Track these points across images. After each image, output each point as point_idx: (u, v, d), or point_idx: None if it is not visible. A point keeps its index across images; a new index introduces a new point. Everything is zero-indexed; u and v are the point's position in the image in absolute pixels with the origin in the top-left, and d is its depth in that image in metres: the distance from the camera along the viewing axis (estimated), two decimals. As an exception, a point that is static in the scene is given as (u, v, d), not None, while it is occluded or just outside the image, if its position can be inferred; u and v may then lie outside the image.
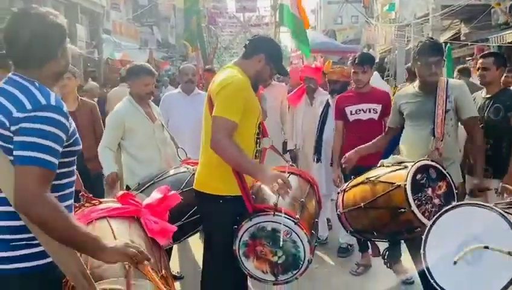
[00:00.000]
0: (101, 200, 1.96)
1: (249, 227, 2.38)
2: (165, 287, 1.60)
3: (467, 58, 15.11)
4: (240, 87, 2.42)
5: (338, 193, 3.13)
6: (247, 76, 2.51)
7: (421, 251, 2.07)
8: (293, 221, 2.34)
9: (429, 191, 2.56)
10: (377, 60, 23.40)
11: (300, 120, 4.94)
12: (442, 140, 2.88)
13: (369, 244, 3.96)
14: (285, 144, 5.18)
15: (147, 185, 2.92)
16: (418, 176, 2.57)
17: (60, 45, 1.61)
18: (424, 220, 2.43)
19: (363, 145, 3.39)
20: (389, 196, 2.60)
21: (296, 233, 2.33)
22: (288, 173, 2.78)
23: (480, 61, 3.67)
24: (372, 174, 2.88)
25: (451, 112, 2.97)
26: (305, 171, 3.33)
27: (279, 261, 2.37)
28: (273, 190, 2.26)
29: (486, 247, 1.86)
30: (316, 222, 2.72)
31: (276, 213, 2.31)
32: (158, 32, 25.05)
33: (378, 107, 3.89)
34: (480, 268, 1.90)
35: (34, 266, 1.51)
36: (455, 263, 1.88)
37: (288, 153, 5.09)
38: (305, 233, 2.34)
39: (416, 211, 2.45)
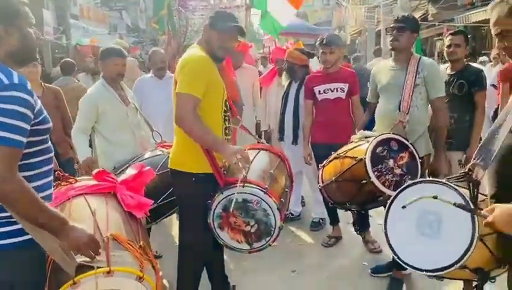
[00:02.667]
0: (77, 178, 2.00)
1: (221, 200, 2.52)
2: (142, 256, 1.68)
3: (434, 38, 15.49)
4: (199, 63, 2.48)
5: (318, 169, 3.32)
6: (207, 52, 2.57)
7: (383, 229, 2.16)
8: (262, 190, 2.48)
9: (390, 162, 2.74)
10: (348, 42, 23.67)
11: (273, 102, 5.06)
12: (407, 113, 3.04)
13: (339, 217, 4.19)
14: (258, 125, 5.30)
15: (122, 169, 2.96)
16: (379, 149, 2.75)
17: (2, 21, 1.58)
18: (384, 189, 2.64)
19: (360, 126, 3.59)
20: (353, 169, 2.79)
21: (265, 201, 2.48)
22: (259, 149, 2.94)
23: (450, 38, 3.81)
24: (342, 149, 3.08)
25: (420, 86, 3.11)
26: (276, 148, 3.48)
27: (252, 230, 2.53)
28: (234, 163, 2.44)
29: (435, 197, 1.96)
30: (286, 192, 2.88)
31: (245, 184, 2.46)
32: (127, 17, 24.54)
33: (345, 86, 4.04)
34: (440, 240, 1.99)
35: (14, 243, 1.56)
36: (404, 207, 2.04)
37: (262, 134, 5.23)
38: (274, 201, 2.49)
39: (376, 181, 2.65)
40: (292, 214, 4.79)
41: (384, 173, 2.70)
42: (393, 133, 2.88)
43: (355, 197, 2.86)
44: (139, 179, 2.05)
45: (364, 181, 2.68)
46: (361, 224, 3.99)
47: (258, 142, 3.30)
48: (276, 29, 7.56)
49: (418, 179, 2.47)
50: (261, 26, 7.95)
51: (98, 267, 1.54)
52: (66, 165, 4.09)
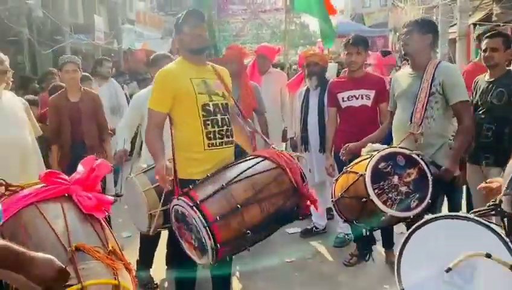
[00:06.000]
0: (22, 184, 1.76)
1: (170, 209, 2.42)
2: (114, 262, 1.53)
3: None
4: (160, 78, 2.62)
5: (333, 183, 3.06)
6: (185, 56, 2.70)
7: (395, 274, 1.77)
8: (189, 204, 2.25)
9: (395, 179, 2.49)
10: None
11: (299, 108, 4.82)
12: (420, 124, 2.76)
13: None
14: (285, 132, 5.10)
15: (150, 167, 2.99)
16: (382, 164, 2.50)
17: None
18: (385, 209, 2.40)
19: (367, 137, 3.25)
20: (356, 185, 2.56)
21: (192, 217, 2.23)
22: (264, 157, 2.64)
23: (486, 41, 3.42)
24: (351, 164, 2.85)
25: (436, 95, 2.82)
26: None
27: (196, 245, 2.31)
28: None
29: (488, 255, 1.50)
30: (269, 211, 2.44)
31: (178, 197, 2.32)
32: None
33: (372, 93, 3.73)
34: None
35: None
36: (448, 270, 1.54)
37: (288, 141, 5.02)
38: (200, 217, 2.20)
39: (375, 199, 2.41)
40: (316, 228, 4.52)
41: (387, 190, 2.45)
42: (400, 147, 2.58)
43: (361, 215, 2.61)
44: (93, 175, 1.83)
45: (364, 199, 2.43)
46: (385, 242, 3.66)
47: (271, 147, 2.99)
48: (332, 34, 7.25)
49: (439, 215, 1.91)
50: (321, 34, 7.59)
51: (69, 286, 1.38)
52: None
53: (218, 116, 2.63)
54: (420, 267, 1.72)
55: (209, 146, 2.59)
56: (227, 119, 2.68)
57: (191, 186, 2.40)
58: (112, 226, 4.28)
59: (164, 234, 3.37)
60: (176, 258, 2.63)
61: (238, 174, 2.38)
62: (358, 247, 3.85)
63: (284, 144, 5.19)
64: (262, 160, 2.50)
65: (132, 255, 3.68)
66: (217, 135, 2.61)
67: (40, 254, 1.35)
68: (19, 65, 9.18)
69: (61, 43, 11.16)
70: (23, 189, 1.73)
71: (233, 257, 2.79)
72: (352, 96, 3.77)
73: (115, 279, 1.47)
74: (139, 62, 14.52)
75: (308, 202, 2.49)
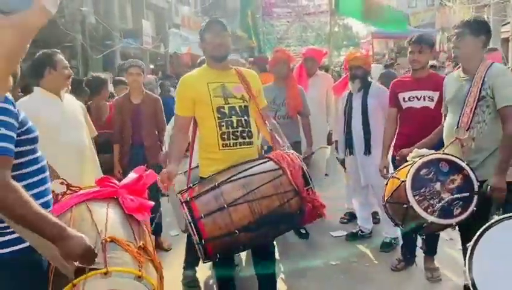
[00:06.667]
0: (81, 186, 2.05)
1: None
2: (141, 256, 1.68)
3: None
4: (180, 86, 2.87)
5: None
6: (208, 63, 2.89)
7: (466, 267, 1.96)
8: (181, 200, 2.44)
9: (437, 185, 2.46)
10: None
11: (342, 110, 4.80)
12: (467, 129, 2.67)
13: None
14: (330, 134, 5.10)
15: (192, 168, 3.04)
16: (424, 171, 2.48)
17: None
18: (426, 216, 2.37)
19: (421, 142, 3.14)
20: (398, 191, 2.55)
21: (183, 213, 2.39)
22: (263, 158, 2.68)
23: None
24: (399, 168, 2.83)
25: (487, 98, 2.71)
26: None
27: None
28: None
29: None
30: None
31: (180, 192, 2.57)
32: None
33: (435, 95, 3.50)
34: None
35: (14, 251, 1.61)
36: None
37: (334, 144, 5.01)
38: (187, 213, 2.35)
39: (415, 206, 2.39)
40: (362, 232, 4.48)
41: (428, 197, 2.42)
42: (444, 153, 2.53)
43: (405, 220, 2.59)
44: (141, 182, 2.07)
45: (405, 205, 2.42)
46: (428, 247, 3.60)
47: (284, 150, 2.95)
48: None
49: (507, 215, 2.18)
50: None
51: (95, 269, 1.56)
52: (153, 169, 4.24)
53: (234, 118, 2.74)
54: (491, 263, 1.95)
55: (223, 146, 2.71)
56: (243, 121, 2.76)
57: (195, 184, 2.55)
58: (161, 224, 4.48)
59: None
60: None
61: (235, 174, 2.42)
62: (403, 252, 3.78)
63: (329, 146, 5.18)
64: (267, 161, 2.52)
65: (180, 254, 3.82)
66: (231, 136, 2.72)
67: (74, 231, 1.57)
68: (73, 69, 9.63)
69: (112, 47, 11.65)
70: (81, 189, 2.00)
71: (278, 257, 2.88)
72: (413, 97, 3.61)
73: (139, 270, 1.61)
74: (184, 66, 14.84)
75: (317, 207, 2.41)
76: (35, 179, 1.70)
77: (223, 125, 2.71)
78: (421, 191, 2.43)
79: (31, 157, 1.70)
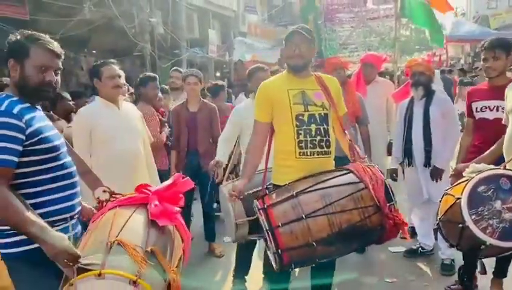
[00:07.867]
0: (123, 193, 2.12)
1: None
2: (144, 261, 1.69)
3: None
4: (260, 91, 2.83)
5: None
6: (287, 69, 2.81)
7: None
8: (258, 207, 2.41)
9: (497, 204, 2.20)
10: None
11: (402, 118, 4.55)
12: None
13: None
14: (390, 144, 4.85)
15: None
16: (481, 188, 2.24)
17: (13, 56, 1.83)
18: (484, 237, 2.13)
19: (480, 156, 2.93)
20: (453, 209, 2.33)
21: (260, 219, 2.41)
22: (343, 169, 2.58)
23: None
24: (453, 185, 2.60)
25: None
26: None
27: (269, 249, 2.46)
28: None
29: None
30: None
31: (256, 199, 2.51)
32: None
33: None
34: None
35: (19, 251, 1.78)
36: None
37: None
38: (265, 220, 2.33)
39: (472, 226, 2.16)
40: (423, 249, 4.20)
41: (487, 217, 2.18)
42: (505, 169, 2.28)
43: (461, 241, 2.36)
44: (173, 189, 2.07)
45: (460, 225, 2.20)
46: (497, 268, 3.28)
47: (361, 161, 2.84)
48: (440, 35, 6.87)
49: None
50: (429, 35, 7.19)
51: (90, 270, 1.61)
52: (204, 177, 4.34)
53: (312, 126, 2.65)
54: None
55: (300, 155, 2.64)
56: (322, 130, 2.66)
57: (269, 191, 2.50)
58: (215, 231, 4.52)
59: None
60: (270, 267, 2.66)
61: (313, 185, 2.36)
62: (460, 274, 3.44)
63: (389, 157, 4.93)
64: (346, 173, 2.42)
65: (232, 261, 3.81)
66: (309, 145, 2.63)
67: (54, 231, 1.70)
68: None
69: (179, 56, 12.05)
70: (122, 196, 2.08)
71: (335, 269, 2.85)
72: (486, 107, 3.36)
73: (135, 275, 1.61)
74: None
75: (399, 225, 2.31)
76: (60, 184, 1.85)
77: (300, 134, 2.65)
78: (479, 210, 2.21)
79: (50, 165, 1.83)
